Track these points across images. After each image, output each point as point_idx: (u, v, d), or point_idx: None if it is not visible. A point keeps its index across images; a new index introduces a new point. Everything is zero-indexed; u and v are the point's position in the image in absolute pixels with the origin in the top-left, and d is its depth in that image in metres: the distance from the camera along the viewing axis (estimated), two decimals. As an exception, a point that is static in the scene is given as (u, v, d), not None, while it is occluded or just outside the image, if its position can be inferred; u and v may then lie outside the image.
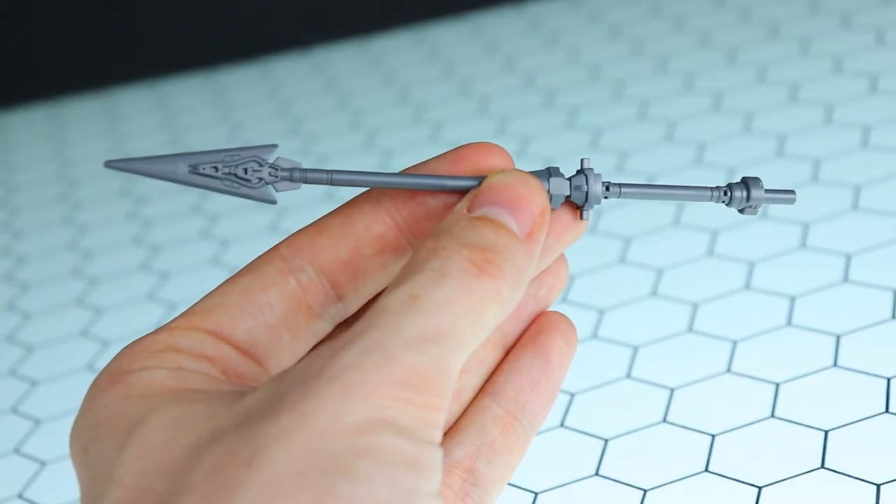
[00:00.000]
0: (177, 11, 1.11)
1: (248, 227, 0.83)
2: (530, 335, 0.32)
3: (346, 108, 0.99)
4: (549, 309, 0.38)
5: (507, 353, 0.32)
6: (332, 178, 0.28)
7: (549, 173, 0.29)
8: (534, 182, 0.27)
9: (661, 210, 0.73)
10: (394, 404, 0.23)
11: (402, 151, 0.89)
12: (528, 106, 0.91)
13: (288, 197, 0.86)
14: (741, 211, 0.31)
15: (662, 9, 1.02)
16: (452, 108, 0.94)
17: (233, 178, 0.28)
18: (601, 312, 0.65)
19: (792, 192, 0.30)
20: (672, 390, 0.58)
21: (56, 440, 0.66)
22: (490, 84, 0.97)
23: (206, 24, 1.11)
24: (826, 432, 0.53)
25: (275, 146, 0.28)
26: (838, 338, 0.58)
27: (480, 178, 0.28)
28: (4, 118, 1.15)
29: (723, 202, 0.30)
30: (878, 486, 0.49)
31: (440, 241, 0.26)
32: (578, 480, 0.54)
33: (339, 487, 0.22)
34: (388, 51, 1.08)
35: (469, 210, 0.27)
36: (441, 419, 0.24)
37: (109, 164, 0.27)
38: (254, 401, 0.24)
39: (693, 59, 0.92)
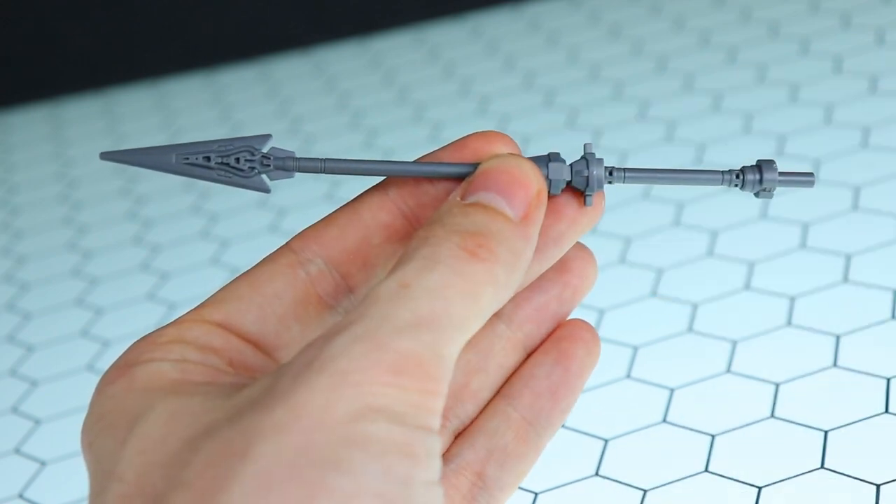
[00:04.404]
0: (177, 11, 1.11)
1: (248, 227, 0.83)
2: (552, 341, 0.31)
3: (346, 108, 0.99)
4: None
5: (529, 356, 0.31)
6: (325, 167, 0.28)
7: (548, 158, 0.28)
8: (528, 165, 0.27)
9: (661, 210, 0.73)
10: (386, 391, 0.23)
11: (402, 151, 0.89)
12: (528, 106, 0.91)
13: (288, 197, 0.86)
14: (756, 195, 0.30)
15: (662, 9, 1.02)
16: (452, 108, 0.94)
17: (226, 167, 0.28)
18: (601, 312, 0.65)
19: (810, 174, 0.30)
20: (672, 390, 0.58)
21: (56, 440, 0.66)
22: (490, 84, 0.97)
23: (206, 24, 1.11)
24: (826, 432, 0.53)
25: (269, 136, 0.28)
26: (838, 338, 0.58)
27: (476, 164, 0.28)
28: (4, 118, 1.15)
29: (735, 186, 0.30)
30: (878, 486, 0.49)
31: (431, 230, 0.26)
32: (578, 480, 0.54)
33: (331, 479, 0.22)
34: (388, 51, 1.09)
35: (462, 197, 0.27)
36: (437, 405, 0.23)
37: (105, 156, 0.27)
38: (250, 393, 0.24)
39: (693, 59, 0.92)
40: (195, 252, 0.82)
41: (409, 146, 0.89)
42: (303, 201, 0.85)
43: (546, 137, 0.86)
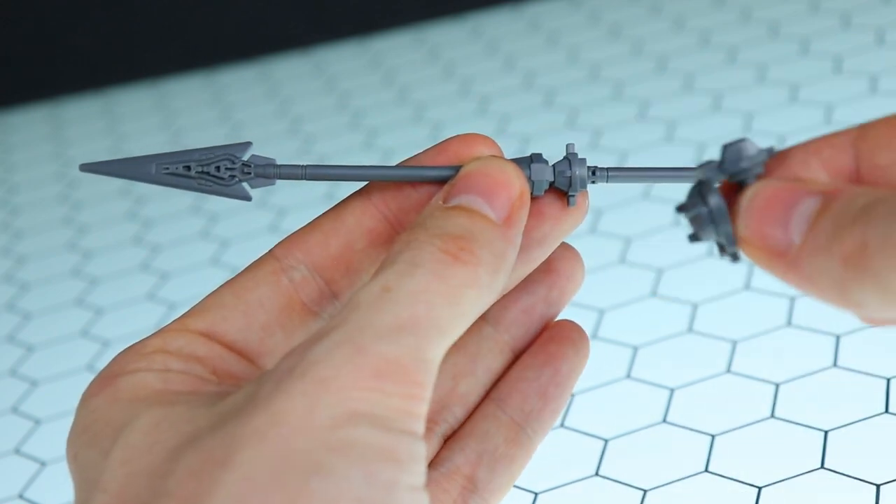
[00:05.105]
0: (177, 11, 1.11)
1: (248, 227, 0.83)
2: (541, 343, 0.31)
3: (346, 108, 0.99)
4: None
5: (517, 358, 0.31)
6: (306, 173, 0.28)
7: (530, 159, 0.28)
8: (510, 167, 0.27)
9: (661, 210, 0.73)
10: (368, 396, 0.23)
11: (401, 151, 0.89)
12: (528, 106, 0.91)
13: (288, 197, 0.86)
14: None
15: (662, 9, 1.02)
16: (452, 108, 0.94)
17: (206, 176, 0.28)
18: (601, 312, 0.65)
19: None
20: (672, 390, 0.58)
21: (56, 440, 0.66)
22: (490, 84, 0.97)
23: (206, 24, 1.11)
24: (826, 432, 0.53)
25: (249, 143, 0.28)
26: (838, 338, 0.58)
27: (458, 167, 0.28)
28: (4, 118, 1.15)
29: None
30: (878, 486, 0.49)
31: (413, 234, 0.26)
32: (578, 480, 0.54)
33: (313, 485, 0.22)
34: (388, 51, 1.09)
35: (445, 200, 0.27)
36: (421, 409, 0.23)
37: (84, 168, 0.27)
38: (233, 401, 0.24)
39: (693, 59, 0.92)
40: (195, 252, 0.82)
41: (409, 146, 0.89)
42: (303, 201, 0.85)
43: (546, 137, 0.86)
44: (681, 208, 0.26)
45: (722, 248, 0.26)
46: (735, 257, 0.26)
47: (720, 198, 0.26)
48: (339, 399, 0.22)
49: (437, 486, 0.30)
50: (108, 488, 0.23)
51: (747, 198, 0.25)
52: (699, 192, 0.26)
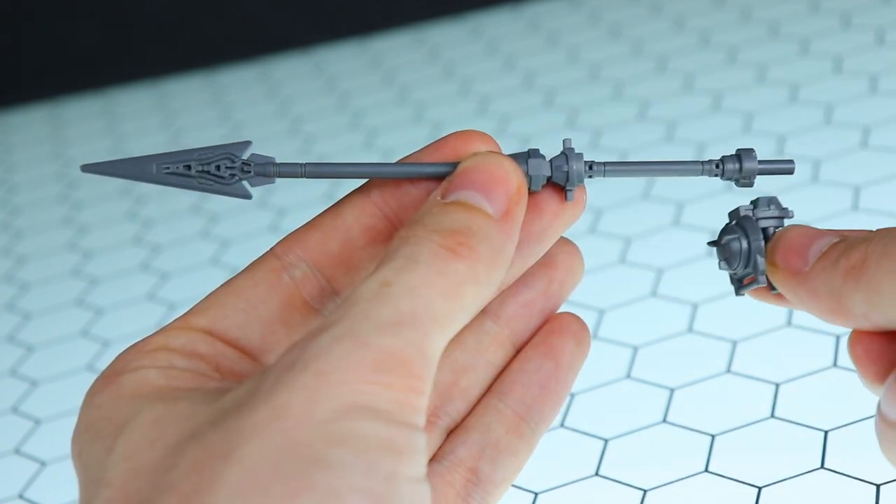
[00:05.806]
0: (177, 11, 1.11)
1: (248, 227, 0.83)
2: (541, 336, 0.31)
3: (346, 108, 0.99)
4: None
5: (518, 352, 0.31)
6: (305, 171, 0.28)
7: (528, 155, 0.29)
8: (507, 162, 0.27)
9: (661, 210, 0.73)
10: (369, 388, 0.23)
11: (402, 151, 0.89)
12: (528, 106, 0.91)
13: (288, 197, 0.86)
14: (737, 183, 0.30)
15: (662, 9, 1.02)
16: (452, 108, 0.94)
17: (206, 175, 0.28)
18: (601, 312, 0.65)
19: (790, 161, 0.30)
20: (672, 390, 0.58)
21: (56, 440, 0.66)
22: (490, 84, 0.97)
23: (206, 24, 1.11)
24: (826, 432, 0.53)
25: (248, 143, 0.28)
26: (838, 338, 0.58)
27: (456, 163, 0.28)
28: (4, 118, 1.15)
29: (715, 175, 0.30)
30: (878, 486, 0.49)
31: (412, 230, 0.26)
32: (578, 480, 0.54)
33: (315, 477, 0.22)
34: (388, 51, 1.09)
35: (443, 196, 0.27)
36: (421, 402, 0.23)
37: (86, 168, 0.27)
38: (234, 396, 0.24)
39: (693, 59, 0.92)
40: (195, 252, 0.82)
41: (408, 146, 0.89)
42: (303, 201, 0.85)
43: (546, 137, 0.86)
44: (723, 239, 0.31)
45: (739, 282, 0.31)
46: (769, 285, 0.30)
47: (763, 239, 0.30)
48: (340, 392, 0.23)
49: (441, 478, 0.30)
50: (111, 484, 0.24)
51: (777, 237, 0.30)
52: (741, 226, 0.30)
